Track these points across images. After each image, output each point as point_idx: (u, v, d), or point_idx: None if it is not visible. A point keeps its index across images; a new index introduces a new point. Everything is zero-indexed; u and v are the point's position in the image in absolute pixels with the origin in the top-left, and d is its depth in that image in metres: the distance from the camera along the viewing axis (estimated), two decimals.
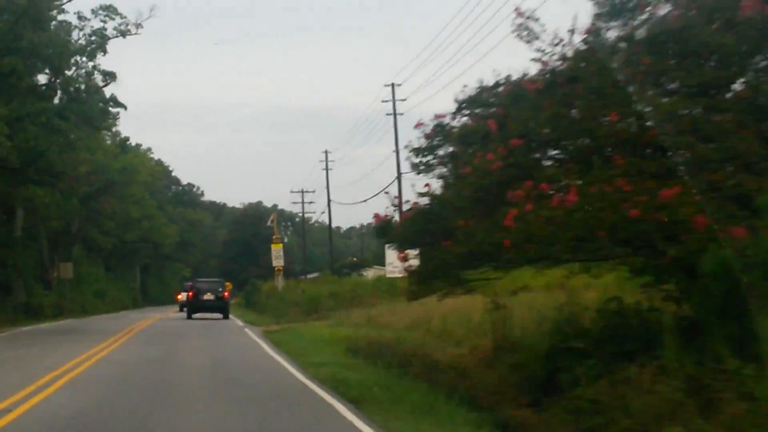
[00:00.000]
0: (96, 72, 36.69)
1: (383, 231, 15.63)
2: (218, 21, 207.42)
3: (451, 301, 31.99)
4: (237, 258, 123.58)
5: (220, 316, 41.86)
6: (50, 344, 26.17)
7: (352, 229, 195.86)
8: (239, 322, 43.05)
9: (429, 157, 15.06)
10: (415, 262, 15.97)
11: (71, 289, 61.56)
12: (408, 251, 16.55)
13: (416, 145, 15.07)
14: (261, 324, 39.71)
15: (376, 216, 15.68)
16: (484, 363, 19.08)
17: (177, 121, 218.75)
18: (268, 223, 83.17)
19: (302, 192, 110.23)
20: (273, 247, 62.78)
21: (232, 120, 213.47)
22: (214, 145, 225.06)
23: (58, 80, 32.74)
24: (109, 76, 36.46)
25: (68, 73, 34.34)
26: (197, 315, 42.98)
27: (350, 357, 21.35)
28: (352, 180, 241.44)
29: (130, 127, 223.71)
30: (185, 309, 46.03)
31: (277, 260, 60.71)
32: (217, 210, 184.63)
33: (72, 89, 33.77)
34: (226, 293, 42.98)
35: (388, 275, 39.03)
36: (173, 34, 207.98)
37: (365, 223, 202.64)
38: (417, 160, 15.13)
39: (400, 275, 40.52)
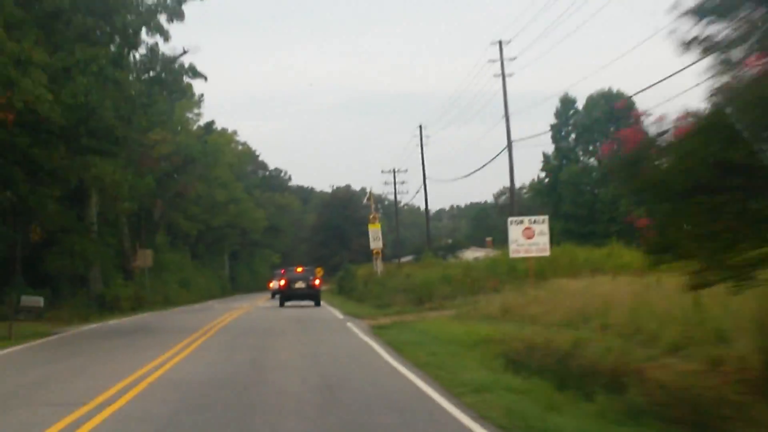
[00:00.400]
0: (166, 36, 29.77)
1: (633, 165, 8.18)
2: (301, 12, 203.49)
3: (607, 285, 24.75)
4: (327, 242, 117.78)
5: (312, 303, 42.47)
6: (100, 353, 19.88)
7: (441, 211, 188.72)
8: (338, 314, 36.55)
9: (718, 25, 7.64)
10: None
11: (153, 278, 56.14)
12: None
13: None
14: (364, 316, 33.06)
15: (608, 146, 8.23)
16: (751, 388, 11.77)
17: (263, 110, 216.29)
18: (365, 201, 76.54)
19: (394, 171, 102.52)
20: (370, 227, 56.17)
21: (319, 107, 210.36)
22: (301, 132, 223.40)
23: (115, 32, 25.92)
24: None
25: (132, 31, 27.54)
26: (289, 303, 43.47)
27: (513, 373, 14.31)
28: (445, 159, 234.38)
29: (214, 114, 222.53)
30: (277, 296, 47.33)
31: (375, 242, 54.09)
32: (305, 195, 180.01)
33: (134, 40, 27.05)
34: (316, 281, 43.87)
35: (512, 255, 31.74)
36: (257, 22, 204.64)
37: (455, 205, 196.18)
38: (693, 34, 7.72)
39: (525, 254, 33.28)
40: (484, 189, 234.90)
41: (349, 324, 28.82)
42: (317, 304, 42.51)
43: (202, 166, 75.00)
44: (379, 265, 54.30)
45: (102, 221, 50.61)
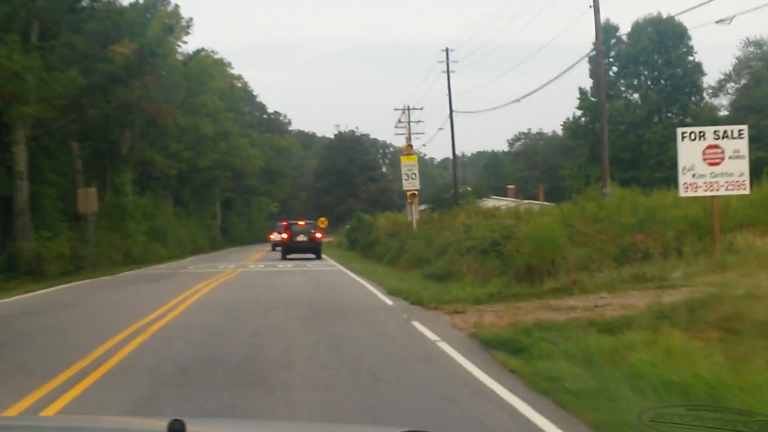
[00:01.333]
0: None
1: None
2: None
3: None
4: (330, 190, 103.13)
5: (313, 256, 43.27)
6: None
7: (446, 160, 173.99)
8: (377, 292, 21.85)
9: None
10: None
11: (110, 229, 41.49)
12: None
13: None
14: (407, 293, 18.62)
15: None
16: None
17: (265, 58, 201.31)
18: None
19: (407, 109, 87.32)
20: (404, 161, 41.41)
21: (322, 55, 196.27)
22: (302, 79, 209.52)
23: None
24: None
25: None
26: (291, 266, 38.37)
27: None
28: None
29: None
30: (278, 249, 48.78)
31: (410, 181, 39.32)
32: (306, 140, 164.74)
33: None
34: (318, 234, 44.47)
35: (683, 193, 16.41)
36: None
37: (461, 153, 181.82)
38: None
39: (708, 192, 18.54)
40: (491, 138, 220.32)
41: (424, 330, 13.90)
42: (318, 257, 43.47)
43: (183, 91, 59.96)
44: (414, 213, 39.54)
45: (44, 154, 36.17)
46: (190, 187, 75.98)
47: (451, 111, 59.45)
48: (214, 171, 73.08)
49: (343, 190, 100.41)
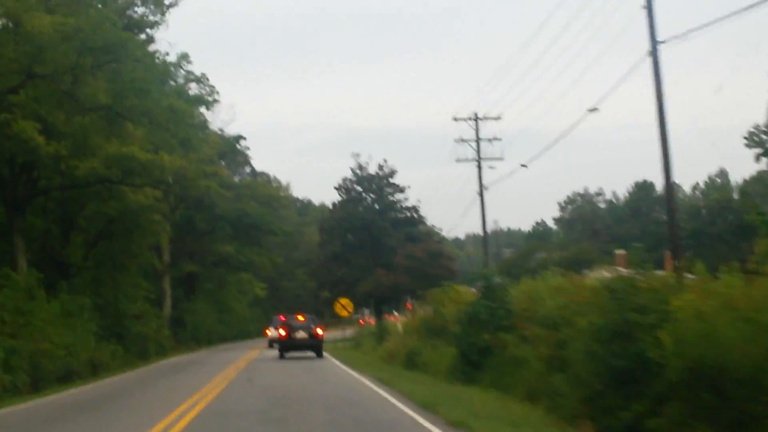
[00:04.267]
0: None
1: None
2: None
3: None
4: (347, 257, 65.43)
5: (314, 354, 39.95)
6: None
7: (456, 240, 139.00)
8: None
9: None
10: None
11: None
12: None
13: None
14: None
15: None
16: None
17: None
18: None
19: (476, 118, 52.69)
20: None
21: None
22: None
23: None
24: None
25: None
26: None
27: None
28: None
29: None
30: (275, 345, 45.89)
31: None
32: (301, 209, 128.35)
33: None
34: (318, 330, 40.06)
35: None
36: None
37: (471, 233, 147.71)
38: None
39: None
40: (533, 208, 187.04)
41: None
42: (319, 355, 39.89)
43: None
44: None
45: None
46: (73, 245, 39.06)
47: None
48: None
49: (367, 256, 62.91)
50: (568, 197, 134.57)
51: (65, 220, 39.32)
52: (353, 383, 22.13)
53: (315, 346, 39.94)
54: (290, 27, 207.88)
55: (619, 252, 66.84)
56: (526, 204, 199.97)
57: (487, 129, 54.83)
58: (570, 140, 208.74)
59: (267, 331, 58.33)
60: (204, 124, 61.89)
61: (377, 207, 67.99)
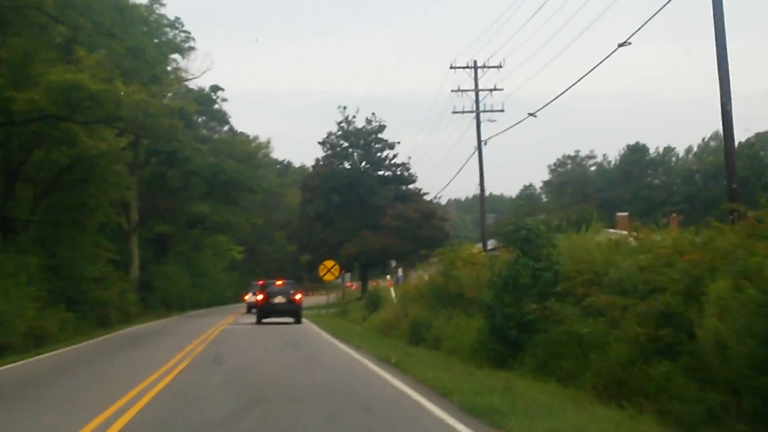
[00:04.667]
0: None
1: None
2: None
3: None
4: (332, 217, 60.08)
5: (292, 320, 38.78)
6: None
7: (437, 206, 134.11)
8: None
9: None
10: None
11: None
12: None
13: None
14: None
15: None
16: None
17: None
18: None
19: (475, 66, 45.64)
20: None
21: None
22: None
23: None
24: None
25: None
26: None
27: None
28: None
29: None
30: (254, 311, 44.44)
31: None
32: (280, 172, 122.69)
33: None
34: (297, 295, 38.99)
35: None
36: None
37: (454, 198, 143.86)
38: None
39: None
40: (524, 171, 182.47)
41: None
42: (298, 321, 38.64)
43: None
44: None
45: None
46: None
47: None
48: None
49: (353, 217, 57.86)
50: (558, 160, 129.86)
51: (9, 168, 33.90)
52: (352, 366, 17.11)
53: (293, 311, 38.87)
54: None
55: (621, 214, 62.39)
56: (511, 170, 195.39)
57: (487, 81, 49.53)
58: (558, 106, 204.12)
59: (246, 297, 56.66)
60: (176, 72, 56.29)
61: (365, 164, 62.79)
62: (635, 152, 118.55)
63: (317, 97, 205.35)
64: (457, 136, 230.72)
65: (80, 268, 39.72)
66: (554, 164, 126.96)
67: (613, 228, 52.65)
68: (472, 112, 48.25)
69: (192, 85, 64.69)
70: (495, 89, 47.95)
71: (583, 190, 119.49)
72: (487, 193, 46.80)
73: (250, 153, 71.10)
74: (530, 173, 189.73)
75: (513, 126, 43.95)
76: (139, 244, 63.40)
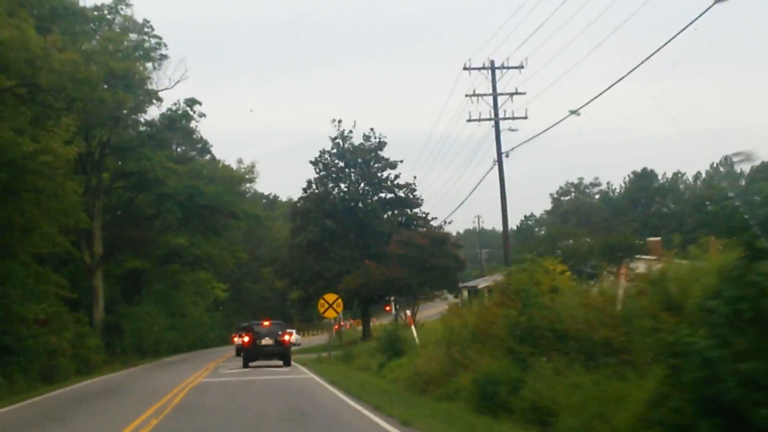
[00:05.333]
0: None
1: None
2: None
3: None
4: (324, 247, 51.85)
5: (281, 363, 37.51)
6: None
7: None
8: None
9: None
10: None
11: None
12: None
13: None
14: None
15: None
16: None
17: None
18: None
19: (492, 67, 34.81)
20: None
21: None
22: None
23: None
24: None
25: None
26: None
27: None
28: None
29: None
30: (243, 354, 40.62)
31: None
32: (267, 206, 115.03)
33: None
34: (286, 336, 37.80)
35: None
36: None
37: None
38: None
39: None
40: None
41: None
42: (287, 363, 36.98)
43: None
44: None
45: None
46: None
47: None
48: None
49: (352, 246, 49.88)
50: (561, 188, 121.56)
51: None
52: None
53: (282, 353, 37.40)
54: (255, 35, 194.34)
55: (652, 240, 54.76)
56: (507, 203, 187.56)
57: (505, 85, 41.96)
58: (553, 138, 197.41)
59: (234, 339, 52.75)
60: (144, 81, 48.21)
61: (363, 185, 54.62)
62: (642, 179, 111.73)
63: (304, 137, 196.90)
64: (461, 162, 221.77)
65: (17, 306, 31.38)
66: (557, 192, 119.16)
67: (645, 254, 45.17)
68: (489, 119, 40.62)
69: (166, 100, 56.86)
70: (516, 93, 40.48)
71: (588, 219, 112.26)
72: (481, 226, 39.41)
73: (233, 179, 62.97)
74: (527, 206, 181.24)
75: (545, 131, 36.31)
76: (107, 280, 55.05)
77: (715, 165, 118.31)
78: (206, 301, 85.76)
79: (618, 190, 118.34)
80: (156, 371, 38.47)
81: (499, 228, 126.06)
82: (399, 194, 54.21)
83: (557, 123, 36.16)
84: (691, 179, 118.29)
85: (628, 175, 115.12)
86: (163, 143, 50.53)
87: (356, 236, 53.29)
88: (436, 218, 55.15)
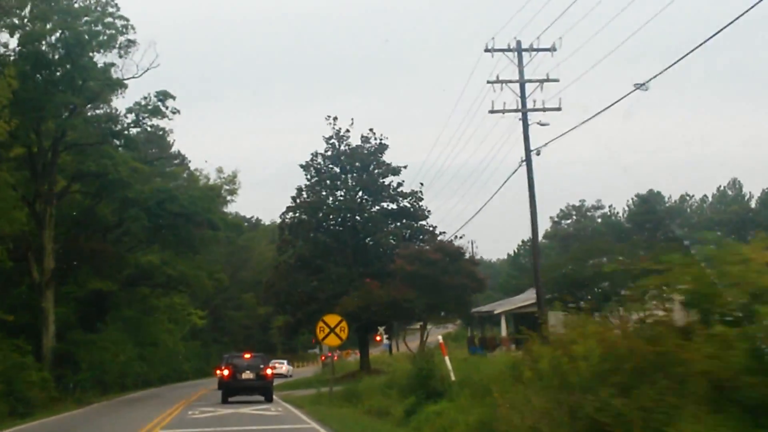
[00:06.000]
0: None
1: None
2: None
3: None
4: (316, 264, 43.97)
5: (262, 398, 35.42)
6: None
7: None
8: None
9: None
10: None
11: None
12: None
13: None
14: None
15: None
16: None
17: None
18: None
19: (518, 48, 23.56)
20: None
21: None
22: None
23: None
24: None
25: None
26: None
27: None
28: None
29: None
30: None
31: None
32: (249, 227, 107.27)
33: None
34: (268, 370, 35.70)
35: None
36: None
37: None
38: None
39: None
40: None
41: None
42: (268, 399, 34.76)
43: None
44: None
45: None
46: None
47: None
48: None
49: (349, 262, 42.15)
50: (562, 211, 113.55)
51: None
52: None
53: (264, 387, 35.61)
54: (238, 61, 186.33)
55: None
56: (500, 232, 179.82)
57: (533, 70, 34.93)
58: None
59: (218, 371, 43.72)
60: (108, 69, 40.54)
61: (361, 194, 47.04)
62: (647, 201, 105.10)
63: (285, 167, 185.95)
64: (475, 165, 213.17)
65: None
66: (557, 216, 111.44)
67: None
68: (516, 110, 33.33)
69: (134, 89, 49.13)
70: (547, 80, 33.31)
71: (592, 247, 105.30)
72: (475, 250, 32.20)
73: (212, 189, 55.11)
74: (520, 233, 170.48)
75: (587, 121, 29.30)
76: (66, 303, 47.03)
77: (722, 188, 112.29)
78: (182, 329, 77.46)
79: (621, 213, 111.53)
80: (108, 413, 30.48)
81: (494, 256, 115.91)
82: (403, 204, 46.70)
83: (611, 105, 28.79)
84: (698, 201, 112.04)
85: (632, 198, 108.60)
86: (130, 143, 42.83)
87: (354, 252, 45.54)
88: (444, 233, 47.57)
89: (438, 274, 40.34)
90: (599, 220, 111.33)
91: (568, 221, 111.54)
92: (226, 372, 35.20)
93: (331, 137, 46.75)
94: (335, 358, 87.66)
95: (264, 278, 73.36)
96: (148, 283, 57.23)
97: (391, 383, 25.82)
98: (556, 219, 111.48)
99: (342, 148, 47.03)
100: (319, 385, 36.67)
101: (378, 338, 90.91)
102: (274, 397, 35.29)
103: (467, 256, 42.40)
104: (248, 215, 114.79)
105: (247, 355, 37.26)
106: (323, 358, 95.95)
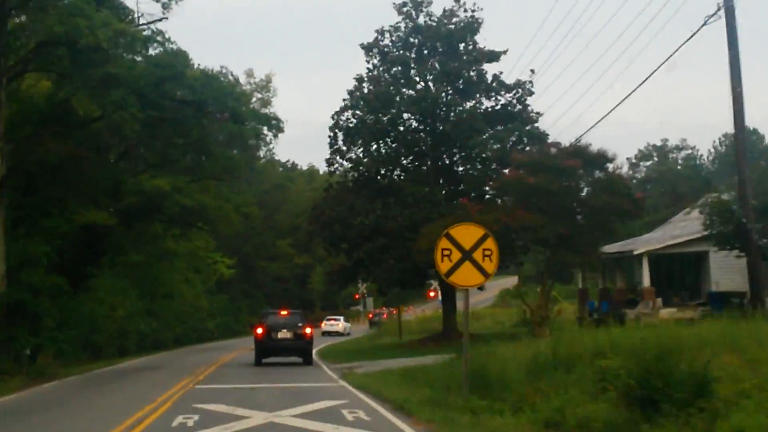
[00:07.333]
0: None
1: None
2: None
3: None
4: (380, 187, 29.02)
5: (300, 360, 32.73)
6: None
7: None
8: None
9: None
10: None
11: None
12: None
13: None
14: None
15: None
16: None
17: None
18: None
19: None
20: None
21: None
22: None
23: None
24: None
25: None
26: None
27: None
28: None
29: None
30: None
31: None
32: (287, 172, 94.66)
33: None
34: (307, 329, 31.92)
35: None
36: None
37: None
38: None
39: None
40: None
41: None
42: (308, 362, 32.18)
43: None
44: None
45: None
46: None
47: None
48: None
49: (432, 178, 27.19)
50: (640, 151, 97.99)
51: None
52: None
53: (302, 349, 31.99)
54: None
55: None
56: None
57: None
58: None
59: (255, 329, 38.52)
60: None
61: (447, 88, 33.00)
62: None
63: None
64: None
65: None
66: (635, 157, 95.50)
67: None
68: None
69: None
70: None
71: (674, 190, 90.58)
72: None
73: (239, 96, 40.90)
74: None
75: None
76: (43, 238, 33.84)
77: None
78: (207, 280, 64.23)
79: (706, 156, 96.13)
80: (70, 397, 17.12)
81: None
82: (505, 100, 32.61)
83: None
84: None
85: (720, 138, 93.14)
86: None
87: (436, 166, 31.61)
88: (559, 144, 33.35)
89: (575, 191, 26.35)
90: (679, 164, 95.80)
91: (647, 163, 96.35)
92: (260, 330, 31.72)
93: (405, 3, 32.55)
94: (385, 316, 73.99)
95: (301, 223, 60.00)
96: (157, 218, 43.94)
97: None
98: (634, 161, 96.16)
99: (420, 20, 32.83)
100: (386, 352, 23.10)
101: (431, 293, 75.90)
102: (331, 374, 25.69)
103: (611, 167, 28.10)
104: (283, 159, 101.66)
105: (284, 312, 33.40)
106: (371, 315, 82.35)
